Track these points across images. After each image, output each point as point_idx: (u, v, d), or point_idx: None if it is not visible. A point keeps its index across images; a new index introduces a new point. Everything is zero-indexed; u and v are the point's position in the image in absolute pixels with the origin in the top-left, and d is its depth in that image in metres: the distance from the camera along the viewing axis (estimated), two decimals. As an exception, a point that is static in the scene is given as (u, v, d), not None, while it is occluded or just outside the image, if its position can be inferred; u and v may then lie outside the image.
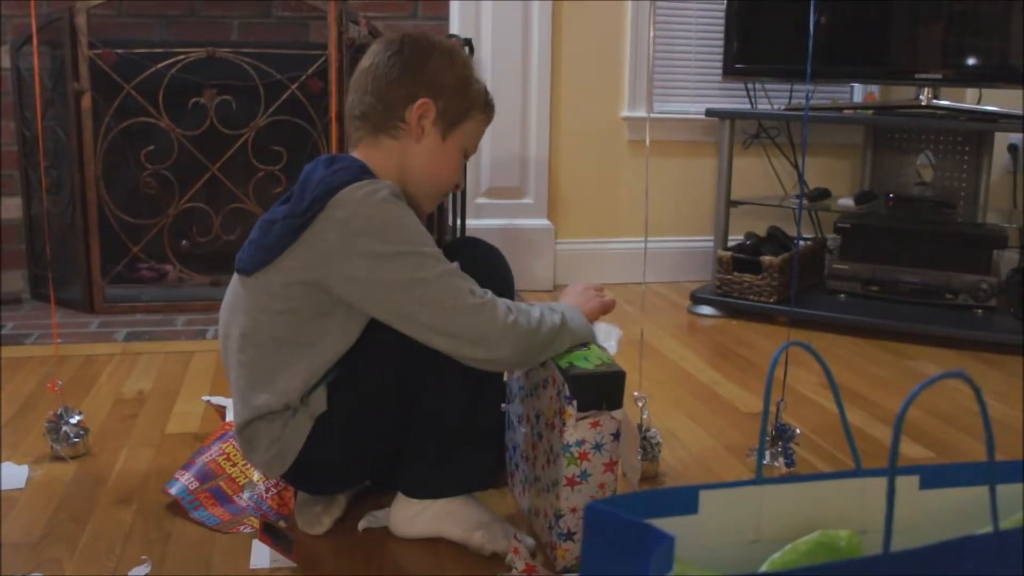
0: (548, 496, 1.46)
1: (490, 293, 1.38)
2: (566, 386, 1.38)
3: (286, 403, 1.43)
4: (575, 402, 1.37)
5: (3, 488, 1.67)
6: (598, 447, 1.39)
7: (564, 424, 1.38)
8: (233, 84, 2.80)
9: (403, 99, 1.47)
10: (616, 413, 1.40)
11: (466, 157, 1.57)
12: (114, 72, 2.73)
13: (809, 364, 2.44)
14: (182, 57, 2.75)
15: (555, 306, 1.48)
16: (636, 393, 1.81)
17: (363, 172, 1.42)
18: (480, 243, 1.57)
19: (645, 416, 1.79)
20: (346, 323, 1.40)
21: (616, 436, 1.41)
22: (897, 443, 0.77)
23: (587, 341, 1.49)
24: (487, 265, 1.51)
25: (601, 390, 1.38)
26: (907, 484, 1.00)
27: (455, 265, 1.38)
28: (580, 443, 1.39)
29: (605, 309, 1.59)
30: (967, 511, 1.03)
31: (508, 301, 1.41)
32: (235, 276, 1.49)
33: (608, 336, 1.53)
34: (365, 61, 1.52)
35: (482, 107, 1.54)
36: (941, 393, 2.27)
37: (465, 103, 1.51)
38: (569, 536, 1.41)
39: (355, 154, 1.50)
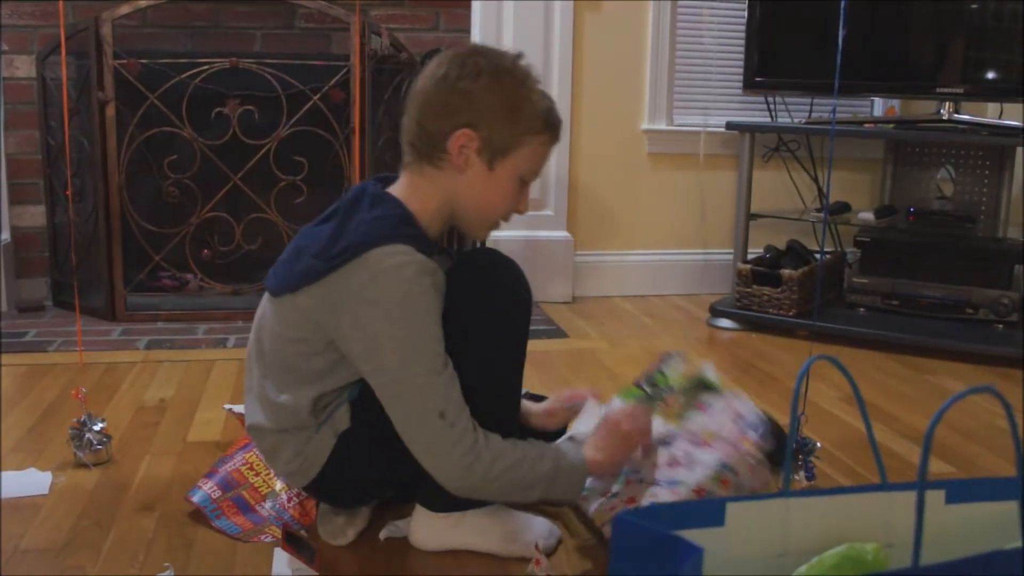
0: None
1: (464, 422, 1.34)
2: (766, 426, 1.53)
3: (297, 421, 1.43)
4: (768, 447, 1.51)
5: (27, 494, 1.68)
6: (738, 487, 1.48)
7: (739, 447, 1.49)
8: (256, 95, 2.82)
9: (444, 128, 1.40)
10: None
11: (526, 182, 1.47)
12: (138, 82, 2.76)
13: (829, 378, 2.43)
14: (206, 67, 2.77)
15: (563, 455, 1.41)
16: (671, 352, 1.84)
17: (402, 224, 1.38)
18: (496, 255, 1.52)
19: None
20: None
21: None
22: (927, 457, 0.78)
23: (567, 503, 1.49)
24: (502, 279, 1.47)
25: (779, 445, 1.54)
26: (933, 498, 1.01)
27: (447, 373, 1.35)
28: (732, 471, 1.47)
29: (630, 450, 1.48)
30: (992, 526, 1.03)
31: (496, 440, 1.36)
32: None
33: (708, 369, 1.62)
34: (417, 82, 1.45)
35: (539, 129, 1.43)
36: (962, 408, 2.26)
37: (516, 129, 1.41)
38: None
39: (403, 179, 1.46)
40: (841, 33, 2.55)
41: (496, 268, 1.48)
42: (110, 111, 2.77)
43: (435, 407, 1.33)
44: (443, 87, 1.40)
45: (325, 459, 1.44)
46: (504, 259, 1.50)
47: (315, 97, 2.82)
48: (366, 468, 1.46)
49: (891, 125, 3.11)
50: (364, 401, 1.42)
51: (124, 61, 2.75)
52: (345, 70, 2.83)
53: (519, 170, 1.44)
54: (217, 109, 2.81)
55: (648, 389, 1.74)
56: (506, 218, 1.49)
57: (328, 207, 1.47)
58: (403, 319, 1.33)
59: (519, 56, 1.45)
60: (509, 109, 1.40)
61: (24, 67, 2.95)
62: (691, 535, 0.88)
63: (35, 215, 3.03)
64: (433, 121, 1.41)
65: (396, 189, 1.46)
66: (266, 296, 1.48)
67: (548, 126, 1.44)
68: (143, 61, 2.77)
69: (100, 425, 1.82)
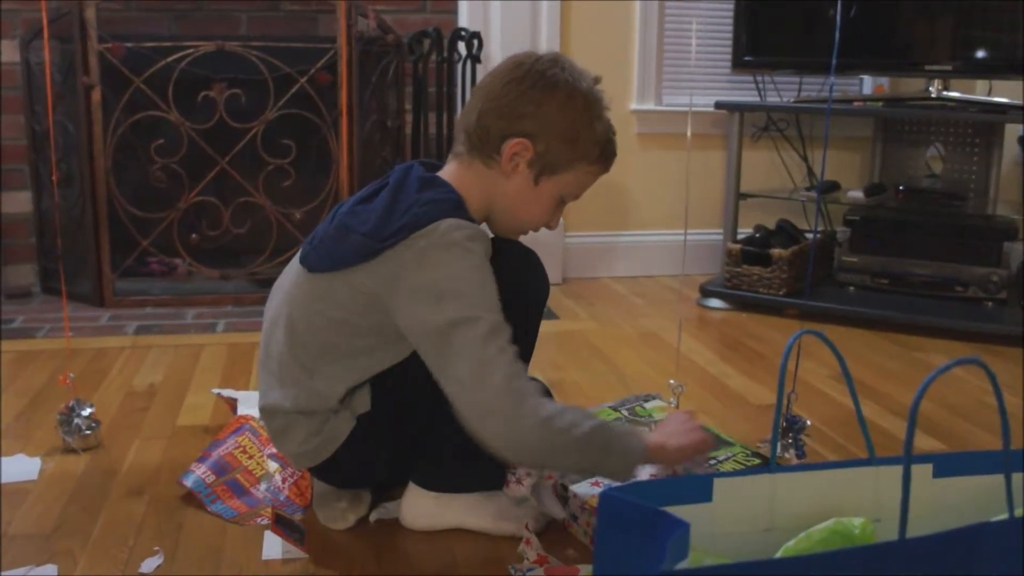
0: None
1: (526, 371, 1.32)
2: None
3: (321, 405, 1.40)
4: None
5: (16, 480, 1.67)
6: None
7: None
8: (242, 78, 2.80)
9: (502, 131, 1.39)
10: None
11: (565, 202, 1.48)
12: (123, 66, 2.73)
13: (819, 356, 2.43)
14: (191, 51, 2.75)
15: (617, 430, 1.35)
16: (672, 382, 1.85)
17: (456, 209, 1.36)
18: (519, 246, 1.51)
19: (672, 404, 1.83)
20: (401, 342, 1.37)
21: None
22: (913, 428, 0.77)
23: (618, 478, 1.36)
24: (523, 272, 1.46)
25: None
26: (921, 472, 1.01)
27: (508, 331, 1.31)
28: None
29: (699, 450, 1.39)
30: (980, 499, 1.03)
31: (553, 403, 1.31)
32: (296, 262, 1.46)
33: None
34: (488, 76, 1.44)
35: (594, 159, 1.43)
36: (952, 385, 2.27)
37: (571, 152, 1.41)
38: None
39: (451, 167, 1.45)
40: (839, 11, 2.55)
41: (520, 258, 1.48)
42: (95, 96, 2.75)
43: (508, 347, 1.29)
44: (514, 89, 1.39)
45: (342, 441, 1.42)
46: (526, 250, 1.50)
47: (302, 80, 2.80)
48: (381, 450, 1.44)
49: (880, 103, 3.11)
50: (385, 384, 1.39)
51: (109, 45, 2.73)
52: (332, 52, 2.82)
53: (562, 190, 1.45)
54: (203, 93, 2.79)
55: (627, 415, 1.76)
56: (535, 230, 1.50)
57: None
58: (465, 271, 1.30)
59: (597, 80, 1.47)
60: (571, 132, 1.40)
61: (8, 52, 2.92)
62: (679, 511, 0.88)
63: (21, 201, 3.01)
64: (495, 120, 1.40)
65: (444, 176, 1.44)
66: (299, 273, 1.43)
67: (602, 157, 1.45)
68: (128, 45, 2.75)
69: (89, 410, 1.81)
